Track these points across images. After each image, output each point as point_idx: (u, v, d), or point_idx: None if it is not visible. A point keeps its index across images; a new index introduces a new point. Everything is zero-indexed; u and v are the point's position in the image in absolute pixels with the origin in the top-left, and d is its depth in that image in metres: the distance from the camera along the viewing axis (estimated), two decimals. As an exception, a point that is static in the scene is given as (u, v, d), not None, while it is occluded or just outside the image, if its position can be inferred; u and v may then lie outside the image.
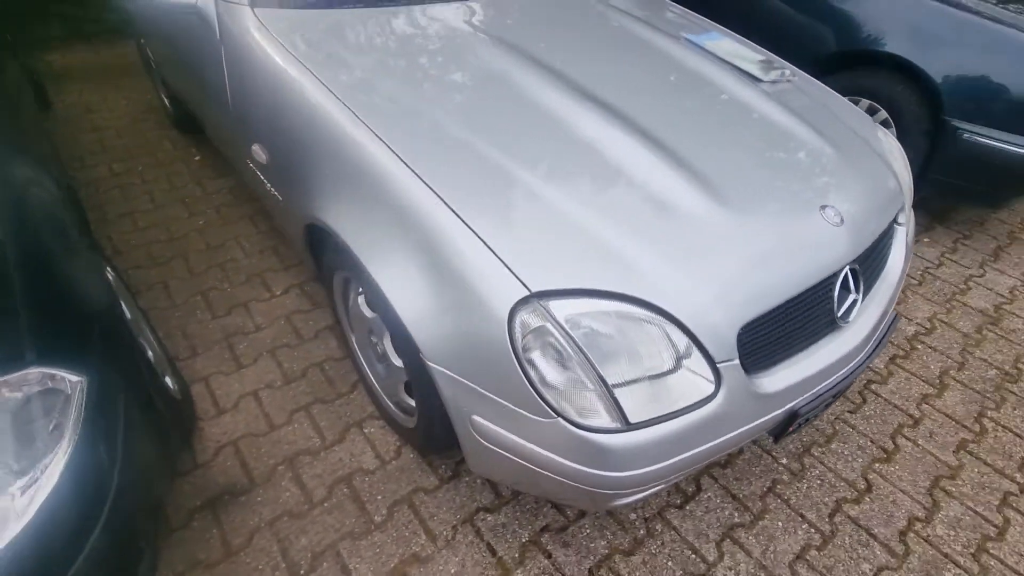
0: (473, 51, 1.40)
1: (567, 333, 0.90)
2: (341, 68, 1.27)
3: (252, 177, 1.58)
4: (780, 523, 1.35)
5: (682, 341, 0.95)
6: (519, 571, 1.23)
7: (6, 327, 0.76)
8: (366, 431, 1.49)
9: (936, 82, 2.10)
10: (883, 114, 2.27)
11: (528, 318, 0.91)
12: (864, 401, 1.67)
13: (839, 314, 1.14)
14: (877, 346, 1.25)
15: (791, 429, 1.14)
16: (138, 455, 0.87)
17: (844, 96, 2.26)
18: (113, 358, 0.90)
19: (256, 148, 1.41)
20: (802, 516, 1.37)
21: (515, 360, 0.92)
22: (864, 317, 1.21)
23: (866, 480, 1.46)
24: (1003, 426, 1.63)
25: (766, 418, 1.06)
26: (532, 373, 0.92)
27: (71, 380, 0.77)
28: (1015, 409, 1.68)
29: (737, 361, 0.98)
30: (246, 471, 1.38)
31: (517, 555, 1.26)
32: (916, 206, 2.52)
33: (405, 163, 1.05)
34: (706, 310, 0.96)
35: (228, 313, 1.81)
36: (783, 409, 1.08)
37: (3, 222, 0.88)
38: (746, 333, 0.99)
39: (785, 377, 1.07)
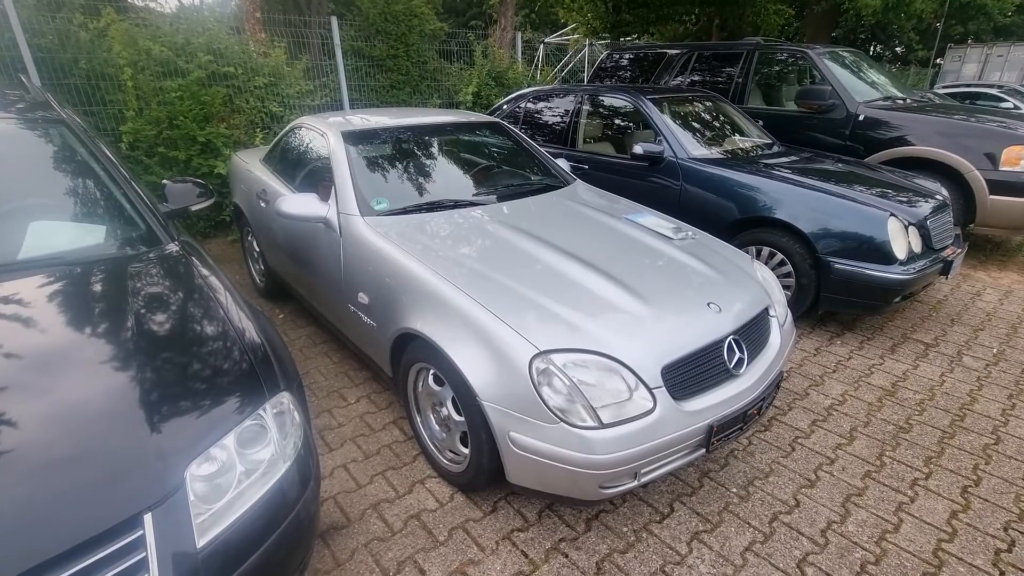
0: (492, 230, 2.31)
1: (564, 372, 1.60)
2: (416, 243, 2.15)
3: (352, 316, 2.37)
4: (733, 529, 1.86)
5: (631, 378, 1.65)
6: (545, 567, 1.72)
7: (269, 372, 1.46)
8: (427, 485, 2.05)
9: (806, 232, 3.05)
10: (779, 256, 3.19)
11: (539, 364, 1.62)
12: (793, 450, 2.24)
13: (731, 366, 1.84)
14: (768, 391, 1.91)
15: (715, 440, 1.76)
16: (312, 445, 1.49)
17: (749, 246, 3.23)
18: (299, 399, 1.57)
19: (361, 295, 2.24)
20: (749, 524, 1.88)
21: (534, 390, 1.60)
22: (751, 371, 1.90)
23: (796, 499, 1.98)
24: (898, 460, 2.18)
25: (692, 428, 1.68)
26: (544, 397, 1.59)
27: (291, 397, 1.44)
28: (907, 449, 2.25)
29: (664, 388, 1.66)
30: (344, 514, 1.92)
31: (543, 556, 1.75)
32: (827, 319, 3.32)
33: (462, 290, 1.85)
34: (641, 358, 1.67)
35: (317, 416, 2.45)
36: (704, 423, 1.71)
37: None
38: (668, 371, 1.69)
39: (701, 402, 1.73)
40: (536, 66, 9.73)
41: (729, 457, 2.20)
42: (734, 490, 2.03)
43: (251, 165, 3.48)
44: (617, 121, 4.39)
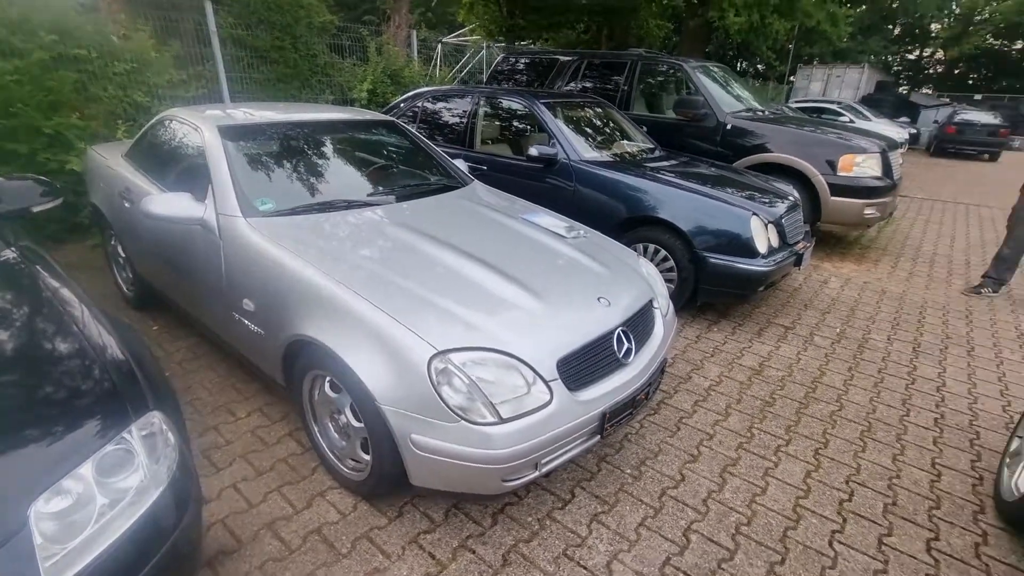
0: (387, 231, 2.26)
1: (463, 371, 1.62)
2: (306, 245, 2.05)
3: (236, 325, 2.20)
4: (628, 507, 1.99)
5: (528, 372, 1.70)
6: (453, 565, 1.73)
7: (135, 391, 1.32)
8: (328, 498, 1.97)
9: (685, 230, 3.35)
10: (663, 252, 3.47)
11: (438, 364, 1.62)
12: (678, 429, 2.46)
13: (620, 356, 1.97)
14: (654, 376, 2.07)
15: (608, 426, 1.87)
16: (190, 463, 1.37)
17: (636, 243, 3.45)
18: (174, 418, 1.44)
19: (246, 301, 2.09)
20: (641, 501, 2.02)
21: (433, 390, 1.60)
22: (638, 360, 2.05)
23: (681, 474, 2.17)
24: (764, 431, 2.48)
25: (587, 416, 1.78)
26: (444, 396, 1.60)
27: (162, 417, 1.32)
28: (771, 421, 2.56)
29: (560, 380, 1.74)
30: (234, 537, 1.78)
31: (450, 555, 1.76)
32: (705, 309, 3.64)
33: (357, 293, 1.79)
34: (538, 353, 1.74)
35: (202, 434, 2.25)
36: (597, 411, 1.82)
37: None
38: (563, 363, 1.77)
39: (594, 391, 1.83)
40: (434, 65, 9.65)
41: (624, 441, 2.36)
42: (628, 471, 2.18)
43: (111, 161, 3.10)
44: (514, 123, 4.49)
